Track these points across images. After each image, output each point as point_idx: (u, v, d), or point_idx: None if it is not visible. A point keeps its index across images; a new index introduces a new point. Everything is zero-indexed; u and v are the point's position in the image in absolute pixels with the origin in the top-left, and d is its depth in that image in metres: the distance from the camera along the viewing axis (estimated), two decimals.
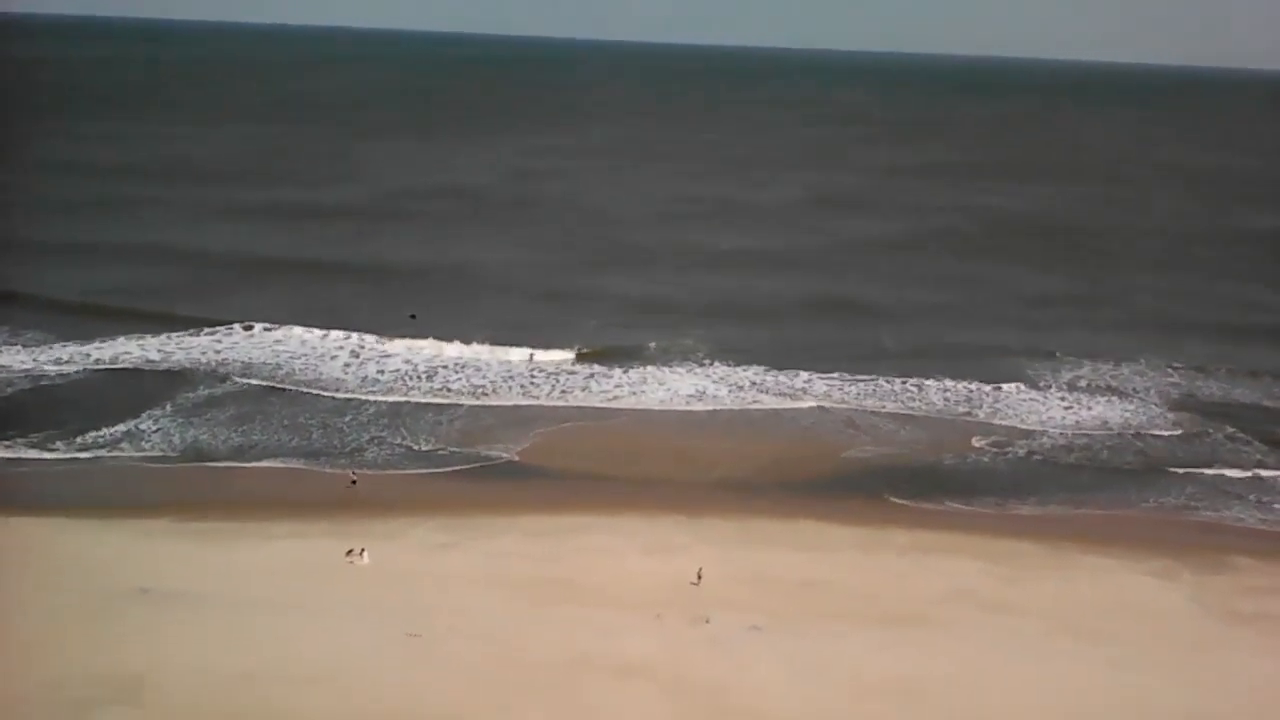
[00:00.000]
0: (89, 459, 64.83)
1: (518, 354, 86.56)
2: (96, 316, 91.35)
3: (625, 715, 37.31)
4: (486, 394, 78.69)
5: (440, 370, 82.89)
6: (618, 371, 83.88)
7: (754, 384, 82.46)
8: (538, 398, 78.50)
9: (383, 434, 70.65)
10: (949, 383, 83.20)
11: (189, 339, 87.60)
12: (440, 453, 68.07)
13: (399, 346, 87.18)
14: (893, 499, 63.93)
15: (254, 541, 53.63)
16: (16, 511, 55.43)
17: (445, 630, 43.33)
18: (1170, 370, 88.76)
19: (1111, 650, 45.47)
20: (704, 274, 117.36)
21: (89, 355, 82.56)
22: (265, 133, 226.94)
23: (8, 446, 65.55)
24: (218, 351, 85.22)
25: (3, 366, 79.37)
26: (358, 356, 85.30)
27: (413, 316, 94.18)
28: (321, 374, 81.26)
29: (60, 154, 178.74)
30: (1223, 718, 40.17)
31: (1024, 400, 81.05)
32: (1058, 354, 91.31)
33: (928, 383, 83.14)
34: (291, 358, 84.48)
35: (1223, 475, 69.38)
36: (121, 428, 69.31)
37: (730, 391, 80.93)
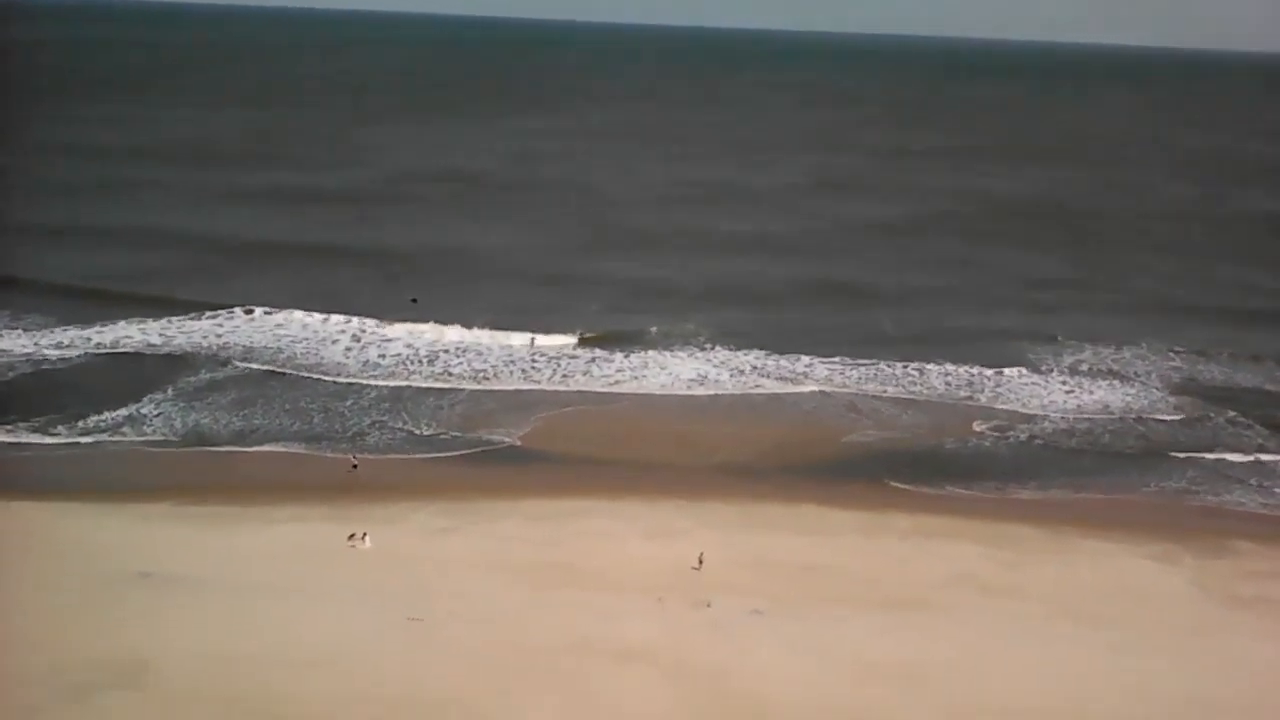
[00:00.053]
0: (90, 443, 64.83)
1: (519, 338, 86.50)
2: (97, 300, 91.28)
3: (626, 699, 37.37)
4: (488, 378, 78.65)
5: (441, 354, 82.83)
6: (619, 356, 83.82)
7: (755, 368, 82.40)
8: (539, 382, 78.45)
9: (384, 418, 70.64)
10: (950, 367, 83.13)
11: (190, 323, 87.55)
12: (441, 437, 68.06)
13: (400, 331, 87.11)
14: (894, 483, 63.92)
15: (255, 526, 53.67)
16: (17, 496, 55.48)
17: (446, 614, 43.39)
18: (1172, 354, 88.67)
19: (1112, 634, 45.54)
20: (705, 258, 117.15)
21: (90, 339, 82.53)
22: (266, 116, 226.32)
23: (9, 430, 65.55)
24: (219, 335, 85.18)
25: (3, 350, 79.32)
26: (359, 340, 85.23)
27: (414, 300, 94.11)
28: (323, 358, 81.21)
29: (61, 137, 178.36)
30: (1223, 701, 40.21)
31: (1025, 384, 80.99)
32: (1059, 338, 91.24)
33: (929, 367, 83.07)
34: (292, 342, 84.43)
35: (1224, 459, 69.35)
36: (122, 412, 69.30)
37: (731, 376, 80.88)
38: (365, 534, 51.25)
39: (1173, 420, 75.70)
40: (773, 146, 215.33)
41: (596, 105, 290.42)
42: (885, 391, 78.83)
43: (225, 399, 72.68)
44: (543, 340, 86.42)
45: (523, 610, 44.68)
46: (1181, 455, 69.86)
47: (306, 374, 78.09)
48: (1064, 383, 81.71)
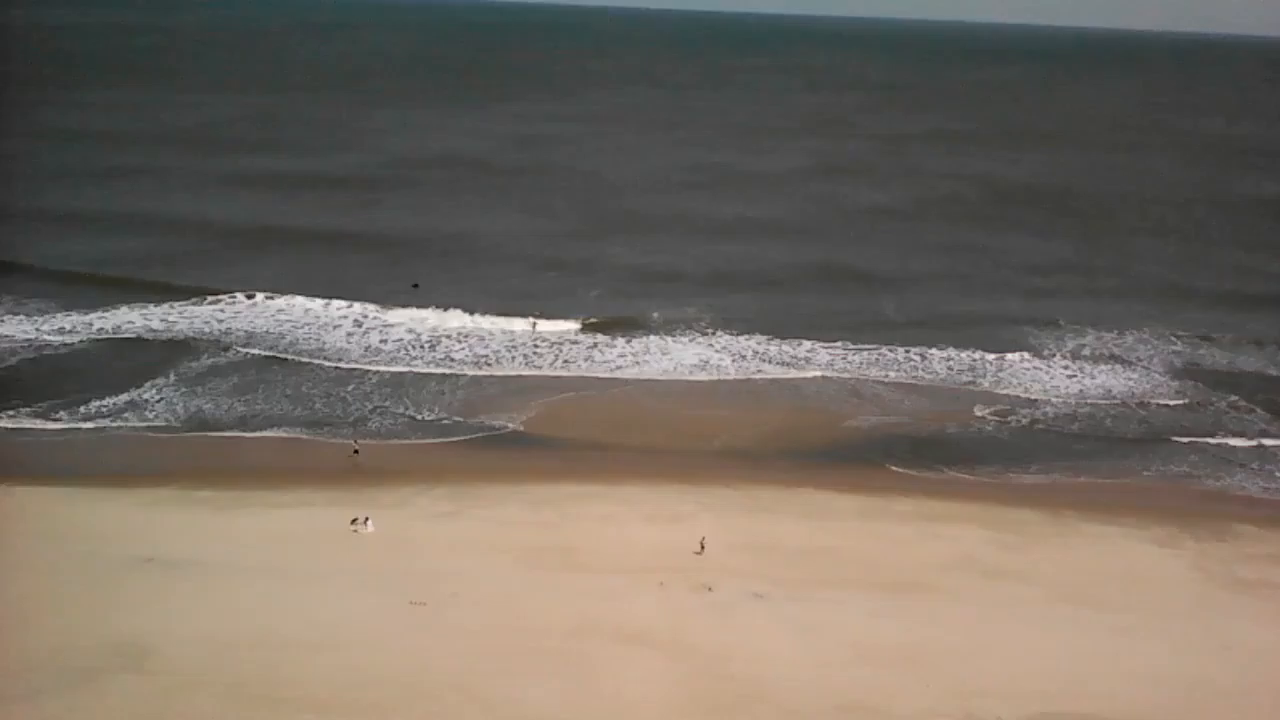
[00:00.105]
0: (92, 428, 64.89)
1: (521, 324, 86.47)
2: (99, 286, 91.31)
3: (628, 681, 37.52)
4: (489, 364, 78.65)
5: (443, 340, 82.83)
6: (621, 341, 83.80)
7: (757, 353, 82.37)
8: (540, 367, 78.45)
9: (386, 403, 70.67)
10: (952, 351, 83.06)
11: (191, 308, 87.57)
12: (443, 422, 68.08)
13: (402, 316, 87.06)
14: (895, 468, 63.94)
15: (257, 511, 53.77)
16: (20, 481, 55.57)
17: (449, 598, 43.53)
18: (1174, 338, 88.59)
19: (1113, 617, 45.63)
20: (707, 242, 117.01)
21: (92, 325, 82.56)
22: (269, 100, 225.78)
23: (11, 416, 65.61)
24: (220, 321, 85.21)
25: (5, 336, 79.36)
26: (360, 326, 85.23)
27: (416, 286, 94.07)
28: (324, 343, 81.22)
29: (63, 122, 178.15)
30: (1224, 684, 40.34)
31: (1028, 369, 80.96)
32: (1061, 322, 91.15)
33: (931, 352, 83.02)
34: (294, 327, 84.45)
35: (1226, 444, 69.33)
36: (125, 397, 69.36)
37: (733, 361, 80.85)
38: (367, 518, 51.35)
39: (1175, 405, 75.67)
40: (775, 130, 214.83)
41: (600, 89, 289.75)
42: (887, 376, 78.81)
43: (227, 384, 72.73)
44: (544, 325, 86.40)
45: (524, 594, 44.81)
46: (1183, 440, 69.83)
47: (308, 359, 78.10)
48: (1066, 367, 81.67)
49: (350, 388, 73.19)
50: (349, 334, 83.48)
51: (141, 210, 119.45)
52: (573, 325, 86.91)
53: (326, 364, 77.35)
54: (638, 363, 79.88)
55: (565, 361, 79.72)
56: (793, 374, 78.93)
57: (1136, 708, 37.90)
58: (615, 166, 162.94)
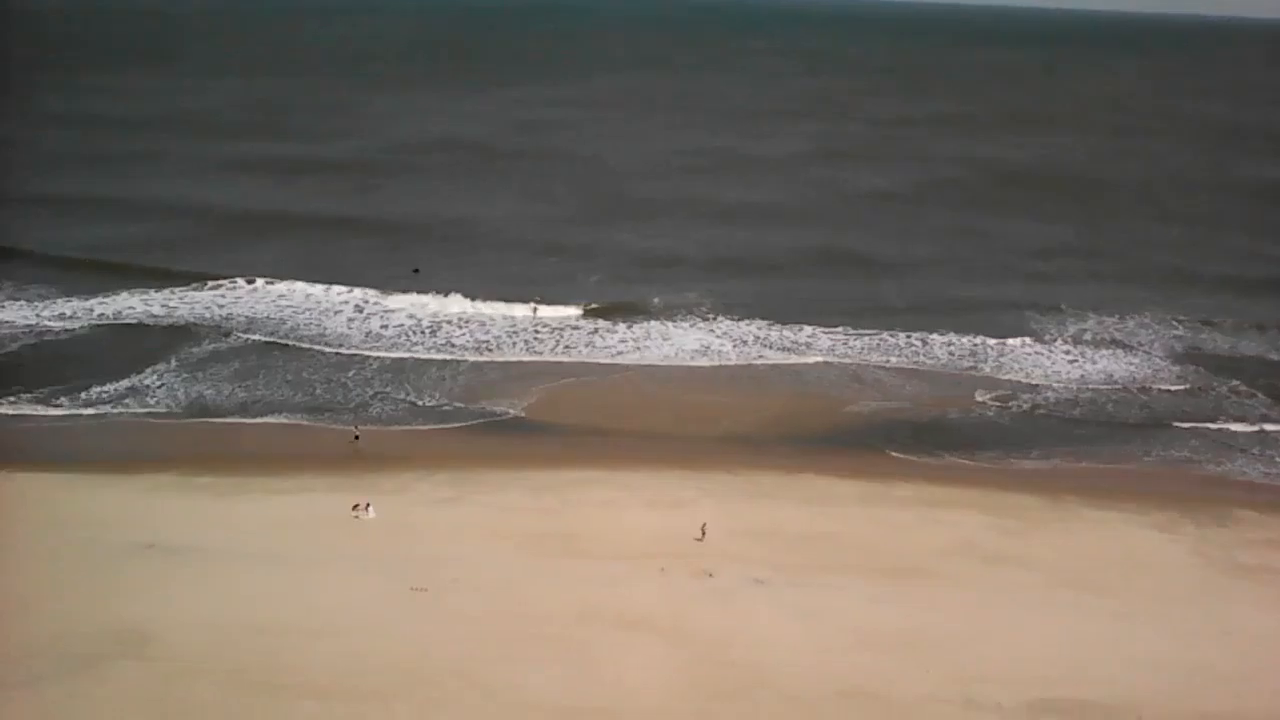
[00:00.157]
0: (92, 414, 64.92)
1: (521, 309, 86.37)
2: (99, 271, 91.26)
3: (629, 667, 37.57)
4: (490, 349, 78.60)
5: (444, 325, 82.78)
6: (622, 327, 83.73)
7: (758, 339, 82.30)
8: (541, 353, 78.40)
9: (386, 389, 70.65)
10: (953, 337, 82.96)
11: (192, 294, 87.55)
12: (444, 408, 68.06)
13: (402, 301, 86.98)
14: (896, 453, 63.91)
15: (258, 497, 53.81)
16: (21, 467, 55.62)
17: (449, 583, 43.58)
18: (1175, 323, 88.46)
19: (1113, 602, 45.67)
20: (708, 227, 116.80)
21: (92, 310, 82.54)
22: (268, 85, 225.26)
23: (12, 402, 65.62)
24: (221, 306, 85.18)
25: (6, 322, 79.34)
26: (361, 311, 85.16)
27: (416, 271, 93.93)
28: (325, 329, 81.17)
29: (63, 107, 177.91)
30: (1224, 669, 40.38)
31: (1029, 354, 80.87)
32: (1063, 307, 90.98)
33: (932, 337, 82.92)
34: (295, 313, 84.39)
35: (1227, 429, 69.28)
36: (125, 383, 69.36)
37: (734, 346, 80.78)
38: (368, 504, 51.38)
39: (1176, 390, 75.59)
40: (776, 114, 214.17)
41: (599, 73, 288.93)
42: (888, 362, 78.74)
43: (227, 370, 72.72)
44: (545, 311, 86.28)
45: (525, 580, 44.85)
46: (1185, 425, 69.78)
47: (309, 345, 78.07)
48: (1067, 352, 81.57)
49: (351, 373, 73.17)
50: (349, 319, 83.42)
51: (142, 195, 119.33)
52: (574, 310, 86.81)
53: (327, 350, 77.33)
54: (639, 348, 79.83)
55: (566, 347, 79.67)
56: (793, 359, 78.87)
57: (1136, 693, 37.95)
58: (616, 151, 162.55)
